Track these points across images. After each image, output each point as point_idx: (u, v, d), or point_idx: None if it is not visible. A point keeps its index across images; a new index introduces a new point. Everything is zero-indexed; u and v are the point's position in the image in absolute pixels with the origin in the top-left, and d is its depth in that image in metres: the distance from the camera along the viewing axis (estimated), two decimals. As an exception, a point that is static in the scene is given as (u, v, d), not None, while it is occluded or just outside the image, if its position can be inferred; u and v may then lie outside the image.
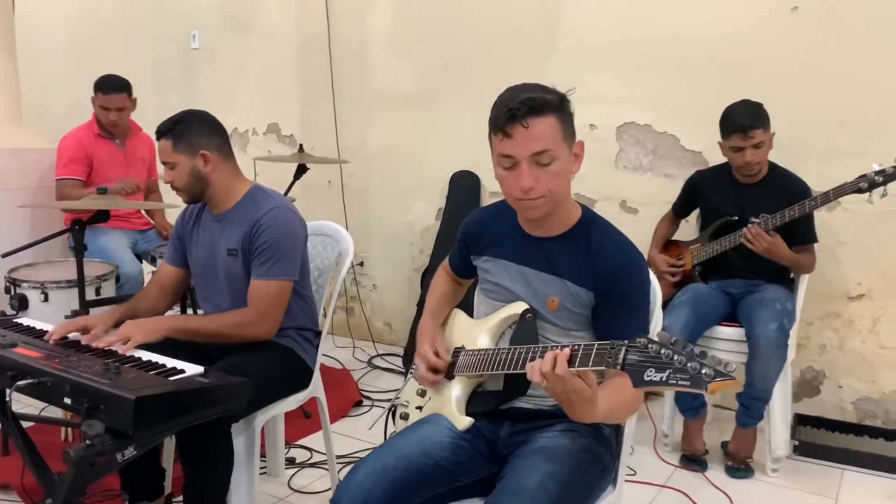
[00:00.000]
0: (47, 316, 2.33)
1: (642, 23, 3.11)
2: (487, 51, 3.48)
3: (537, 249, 1.53)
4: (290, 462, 2.58)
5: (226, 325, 1.94)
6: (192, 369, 1.63)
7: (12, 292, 2.59)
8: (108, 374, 1.50)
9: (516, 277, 1.55)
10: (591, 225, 1.52)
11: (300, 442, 2.73)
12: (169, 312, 2.20)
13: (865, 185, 2.33)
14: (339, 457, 2.50)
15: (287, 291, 2.00)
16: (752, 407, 2.51)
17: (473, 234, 1.67)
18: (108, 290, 2.76)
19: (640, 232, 2.89)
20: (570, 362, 1.21)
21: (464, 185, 3.63)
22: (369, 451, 1.53)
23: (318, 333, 2.18)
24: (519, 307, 1.53)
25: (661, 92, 3.11)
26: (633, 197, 3.26)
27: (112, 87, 3.31)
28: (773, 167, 2.62)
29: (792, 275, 2.68)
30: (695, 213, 2.88)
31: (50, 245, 2.74)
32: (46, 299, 2.59)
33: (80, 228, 2.35)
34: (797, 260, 2.56)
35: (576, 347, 1.23)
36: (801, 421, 2.85)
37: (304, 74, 4.09)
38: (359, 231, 3.92)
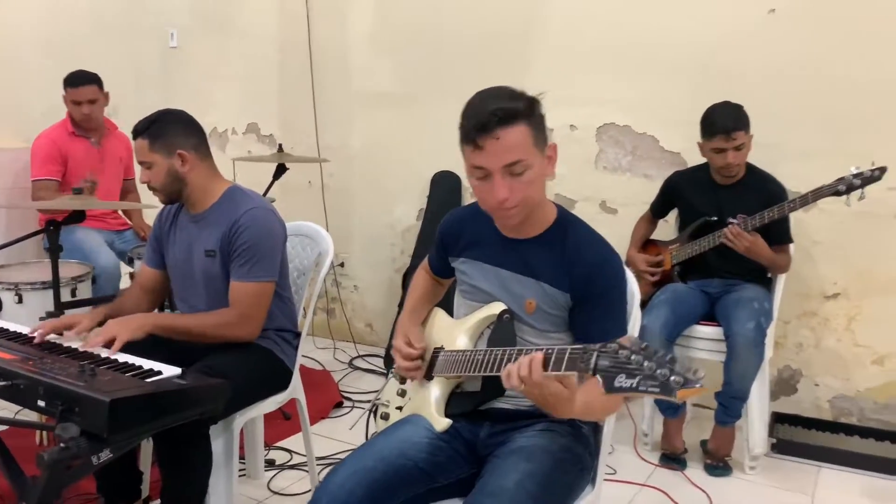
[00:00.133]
0: (21, 318, 2.30)
1: (622, 25, 3.13)
2: (469, 51, 3.49)
3: (514, 251, 1.53)
4: (270, 464, 2.56)
5: (209, 326, 1.93)
6: (170, 371, 1.62)
7: (-15, 294, 2.55)
8: (84, 375, 1.48)
9: (493, 280, 1.55)
10: (566, 226, 1.52)
11: (280, 443, 2.71)
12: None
13: (843, 187, 2.36)
14: (319, 458, 2.49)
15: (268, 292, 1.99)
16: (730, 405, 2.53)
17: (450, 236, 1.66)
18: (84, 291, 2.73)
19: (619, 232, 2.89)
20: (544, 366, 1.22)
21: (445, 186, 3.63)
22: (350, 452, 1.53)
23: (298, 335, 2.16)
24: (497, 308, 1.53)
25: (640, 93, 3.13)
26: (612, 197, 3.28)
27: (81, 80, 3.27)
28: (750, 168, 2.65)
29: (769, 274, 2.71)
30: (673, 214, 2.90)
31: (24, 246, 2.70)
32: (21, 301, 2.55)
33: (54, 229, 2.32)
34: (775, 260, 2.59)
35: (549, 351, 1.23)
36: (778, 419, 2.88)
37: (284, 74, 4.07)
38: (339, 231, 3.89)
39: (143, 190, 3.08)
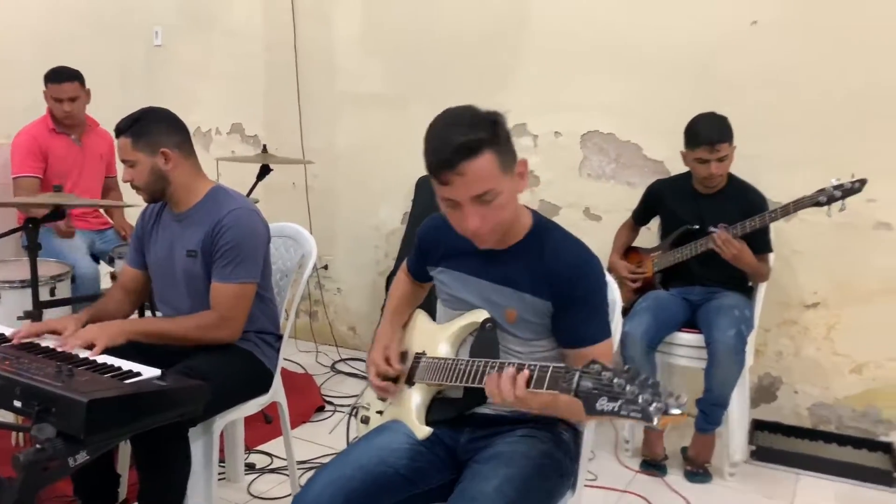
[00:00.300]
0: (-1, 317, 2.27)
1: (608, 33, 3.15)
2: (455, 55, 3.49)
3: (492, 262, 1.52)
4: (250, 467, 2.54)
5: (189, 328, 1.92)
6: (149, 372, 1.60)
7: (-38, 292, 2.51)
8: (61, 376, 1.46)
9: (472, 290, 1.55)
10: (543, 232, 1.52)
11: (261, 447, 2.69)
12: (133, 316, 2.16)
13: (825, 198, 2.39)
14: (299, 462, 2.47)
15: (250, 294, 1.98)
16: (710, 412, 2.55)
17: (428, 242, 1.65)
18: (64, 290, 2.69)
19: (602, 238, 2.92)
20: (527, 384, 1.23)
21: (430, 189, 3.56)
22: (331, 456, 1.52)
23: (280, 337, 2.15)
24: (480, 315, 1.52)
25: (625, 101, 3.15)
26: (596, 204, 3.29)
27: (63, 77, 3.23)
28: (731, 178, 2.67)
29: (750, 283, 2.73)
30: (656, 221, 2.92)
31: (2, 244, 2.66)
32: (-2, 299, 2.51)
33: (33, 227, 2.28)
34: (759, 268, 2.61)
35: (532, 368, 1.23)
36: (758, 426, 2.90)
37: (270, 74, 4.05)
38: (323, 233, 3.88)
39: (125, 188, 3.06)
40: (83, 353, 1.72)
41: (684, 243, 2.68)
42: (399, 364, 1.60)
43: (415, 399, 1.56)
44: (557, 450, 1.52)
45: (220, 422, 1.95)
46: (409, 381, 1.59)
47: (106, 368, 1.61)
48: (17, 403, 1.42)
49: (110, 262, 3.06)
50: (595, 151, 3.27)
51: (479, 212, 1.37)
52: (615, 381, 1.06)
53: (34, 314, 2.33)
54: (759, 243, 2.60)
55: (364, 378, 3.47)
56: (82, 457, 1.39)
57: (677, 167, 2.80)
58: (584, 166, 3.30)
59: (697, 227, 2.65)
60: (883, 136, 2.73)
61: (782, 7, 2.85)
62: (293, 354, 3.75)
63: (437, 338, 1.59)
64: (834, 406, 2.95)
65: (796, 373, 2.99)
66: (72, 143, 3.35)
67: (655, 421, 1.01)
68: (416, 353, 1.61)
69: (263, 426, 2.81)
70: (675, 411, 1.01)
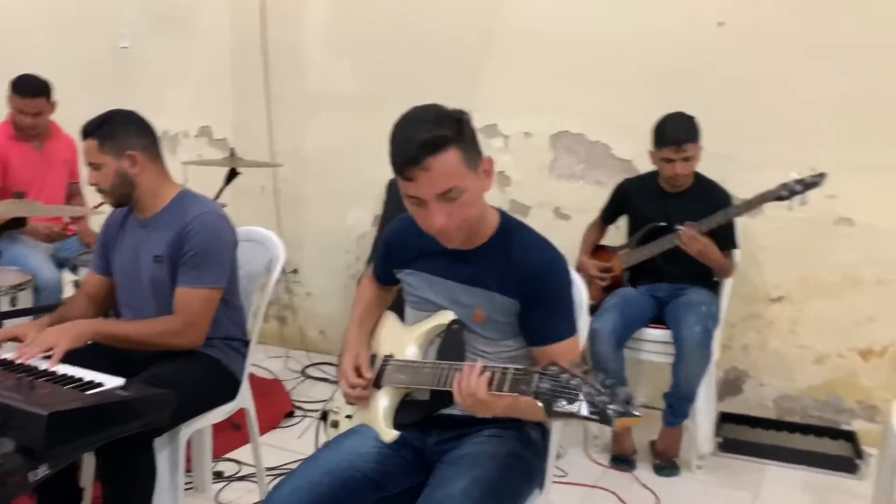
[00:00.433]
0: (-43, 328, 2.22)
1: (578, 35, 3.16)
2: (426, 55, 3.48)
3: (460, 262, 1.52)
4: (218, 476, 2.51)
5: (152, 333, 1.89)
6: (112, 382, 1.58)
7: (-81, 303, 2.45)
8: (21, 389, 1.45)
9: (440, 291, 1.55)
10: (510, 232, 1.53)
11: (229, 455, 2.66)
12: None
13: (786, 192, 2.43)
14: (269, 469, 2.45)
15: (215, 299, 1.96)
16: (678, 406, 2.58)
17: (395, 246, 1.66)
18: (25, 300, 2.64)
19: (572, 237, 2.94)
20: (489, 386, 1.24)
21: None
22: (300, 461, 1.51)
23: (247, 343, 2.13)
24: (446, 317, 1.53)
25: (594, 102, 3.17)
26: (566, 204, 3.31)
27: (30, 91, 3.15)
28: (698, 177, 2.71)
29: (716, 278, 2.77)
30: (624, 220, 2.94)
31: (-39, 253, 2.60)
32: (-43, 310, 2.46)
33: (-7, 236, 2.25)
34: (724, 264, 2.65)
35: (494, 372, 1.24)
36: (724, 418, 2.95)
37: (238, 76, 4.01)
38: (293, 237, 3.84)
39: (88, 193, 3.00)
40: (43, 365, 1.68)
41: (651, 241, 2.71)
42: (370, 373, 1.60)
43: (382, 402, 1.56)
44: (525, 449, 1.53)
45: (186, 430, 1.93)
46: (377, 385, 1.58)
47: (67, 380, 1.59)
48: (-24, 418, 1.40)
49: (73, 269, 3.01)
50: (565, 151, 3.30)
51: (444, 209, 1.37)
52: (573, 382, 1.08)
53: (-5, 325, 2.28)
54: (725, 240, 2.64)
55: (335, 382, 3.47)
56: (43, 471, 1.37)
57: (645, 166, 2.84)
58: (554, 166, 3.32)
59: (664, 224, 2.69)
60: (844, 135, 2.78)
61: (749, 9, 2.89)
62: (263, 360, 3.71)
63: (404, 340, 1.59)
64: (798, 397, 3.00)
65: (762, 366, 3.05)
66: (32, 150, 3.28)
67: (613, 423, 1.02)
68: (385, 356, 1.61)
69: (232, 434, 2.77)
70: (633, 413, 1.02)
